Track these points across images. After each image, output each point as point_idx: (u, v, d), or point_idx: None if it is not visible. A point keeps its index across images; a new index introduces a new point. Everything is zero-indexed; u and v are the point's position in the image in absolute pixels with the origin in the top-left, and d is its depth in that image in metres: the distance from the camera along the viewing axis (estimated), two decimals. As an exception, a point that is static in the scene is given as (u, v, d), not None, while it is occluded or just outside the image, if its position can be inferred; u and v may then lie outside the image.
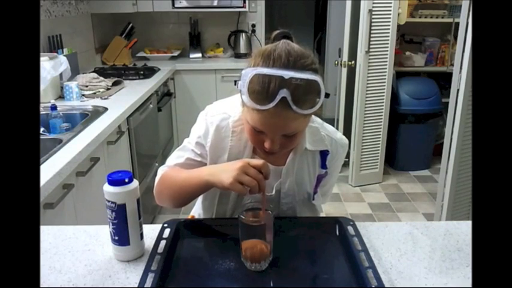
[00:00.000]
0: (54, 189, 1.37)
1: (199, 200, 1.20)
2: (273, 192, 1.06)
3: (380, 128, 3.24)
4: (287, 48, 0.89)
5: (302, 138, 1.03)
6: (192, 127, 1.10)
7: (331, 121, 3.31)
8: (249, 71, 0.88)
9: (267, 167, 0.89)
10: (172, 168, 1.07)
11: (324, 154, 1.08)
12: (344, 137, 1.13)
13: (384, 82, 3.13)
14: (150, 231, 0.98)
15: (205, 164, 1.07)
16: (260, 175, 0.87)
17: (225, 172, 0.89)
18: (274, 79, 0.85)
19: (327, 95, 0.90)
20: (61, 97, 2.27)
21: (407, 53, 3.57)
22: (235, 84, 0.92)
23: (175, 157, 1.09)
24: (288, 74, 0.85)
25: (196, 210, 1.21)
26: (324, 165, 1.09)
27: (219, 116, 1.05)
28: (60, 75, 2.27)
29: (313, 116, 1.04)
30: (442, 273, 0.87)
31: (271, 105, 0.85)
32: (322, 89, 0.88)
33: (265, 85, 0.85)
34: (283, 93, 0.84)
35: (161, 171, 1.09)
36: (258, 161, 0.89)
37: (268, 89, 0.85)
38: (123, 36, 3.40)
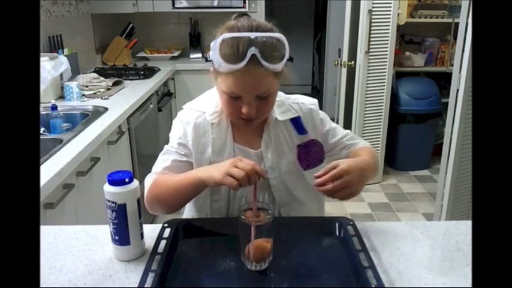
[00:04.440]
0: (55, 189, 1.37)
1: (189, 204, 1.18)
2: None
3: (380, 128, 3.24)
4: (249, 20, 1.00)
5: (272, 111, 1.08)
6: (169, 133, 1.12)
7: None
8: (217, 40, 0.95)
9: (257, 165, 0.91)
10: (162, 174, 1.07)
11: (296, 122, 1.12)
12: (310, 98, 1.18)
13: (384, 82, 3.13)
14: (150, 231, 0.98)
15: (191, 163, 1.09)
16: (249, 166, 0.90)
17: (216, 168, 0.93)
18: (242, 40, 0.93)
19: (290, 59, 0.98)
20: (61, 97, 2.27)
21: (407, 53, 3.57)
22: (207, 61, 0.99)
23: (161, 162, 1.10)
24: (253, 34, 0.94)
25: (188, 213, 1.19)
26: (301, 131, 1.12)
27: (194, 115, 1.09)
28: (61, 75, 2.27)
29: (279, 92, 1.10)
30: (441, 273, 0.87)
31: (243, 63, 0.92)
32: (286, 44, 0.96)
33: (235, 47, 0.93)
34: (253, 50, 0.92)
35: (149, 179, 1.08)
36: (248, 160, 0.93)
37: (238, 49, 0.93)
38: (124, 36, 3.40)
